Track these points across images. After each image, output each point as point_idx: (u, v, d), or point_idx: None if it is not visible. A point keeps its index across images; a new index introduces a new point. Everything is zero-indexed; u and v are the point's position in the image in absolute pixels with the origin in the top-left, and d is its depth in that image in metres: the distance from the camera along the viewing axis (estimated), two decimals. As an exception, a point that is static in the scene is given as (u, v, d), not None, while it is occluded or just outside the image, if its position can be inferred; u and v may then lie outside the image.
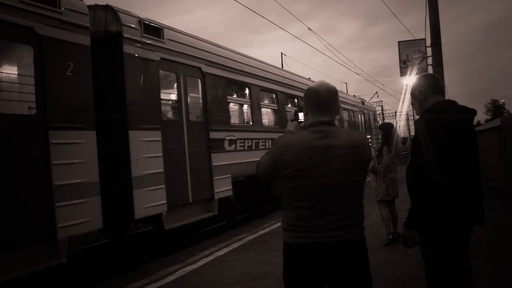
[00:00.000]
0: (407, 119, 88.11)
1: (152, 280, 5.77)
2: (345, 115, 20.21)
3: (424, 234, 2.96)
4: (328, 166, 2.38)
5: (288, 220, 2.47)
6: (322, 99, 2.53)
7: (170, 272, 6.10)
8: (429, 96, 3.14)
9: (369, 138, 24.26)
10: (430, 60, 11.79)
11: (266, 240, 7.82)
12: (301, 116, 2.82)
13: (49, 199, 5.41)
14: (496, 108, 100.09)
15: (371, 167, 6.88)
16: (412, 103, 3.28)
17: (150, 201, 7.19)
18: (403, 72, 13.21)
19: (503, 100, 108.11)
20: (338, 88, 20.34)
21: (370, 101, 42.60)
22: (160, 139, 7.52)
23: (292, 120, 2.87)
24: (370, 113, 26.91)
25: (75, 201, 5.75)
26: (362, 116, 23.92)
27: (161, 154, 7.51)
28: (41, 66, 5.53)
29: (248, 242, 7.71)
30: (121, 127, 6.86)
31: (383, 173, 6.98)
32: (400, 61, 13.26)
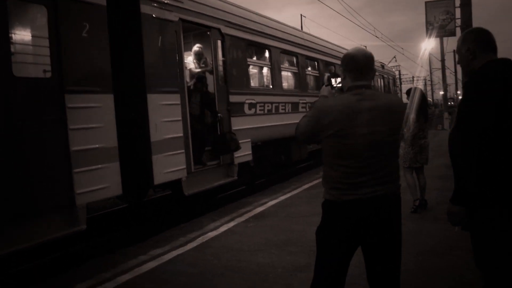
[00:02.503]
0: (425, 84, 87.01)
1: (173, 246, 5.66)
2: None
3: (473, 211, 2.63)
4: (370, 126, 2.52)
5: (332, 179, 2.64)
6: (360, 64, 2.65)
7: (191, 238, 5.99)
8: (479, 55, 2.70)
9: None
10: (458, 22, 11.15)
11: (288, 205, 7.66)
12: (333, 81, 2.96)
13: (66, 165, 5.26)
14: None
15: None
16: (459, 63, 2.92)
17: (169, 166, 7.03)
18: (429, 34, 12.62)
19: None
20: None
21: (388, 65, 41.65)
22: (179, 102, 7.30)
23: (326, 85, 3.00)
24: (390, 77, 26.25)
25: (93, 167, 5.60)
26: (382, 80, 23.31)
27: (180, 118, 7.31)
28: (55, 27, 5.27)
29: (269, 208, 7.56)
30: (140, 90, 6.64)
31: (410, 142, 6.65)
32: (427, 22, 12.64)
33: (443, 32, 12.28)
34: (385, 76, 24.21)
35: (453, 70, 54.84)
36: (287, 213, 7.09)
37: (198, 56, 8.66)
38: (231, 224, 6.63)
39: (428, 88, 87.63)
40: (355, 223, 2.56)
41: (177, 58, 7.39)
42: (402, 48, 65.20)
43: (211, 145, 8.38)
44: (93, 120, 5.67)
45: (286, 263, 4.79)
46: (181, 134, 7.33)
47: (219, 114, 8.29)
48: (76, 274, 4.98)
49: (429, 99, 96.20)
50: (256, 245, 5.48)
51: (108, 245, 6.37)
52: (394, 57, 48.61)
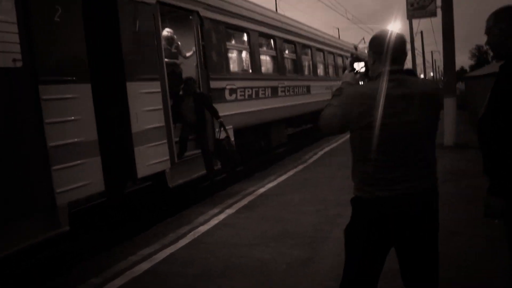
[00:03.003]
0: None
1: (164, 244, 5.32)
2: (339, 60, 19.58)
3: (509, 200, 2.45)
4: (406, 116, 2.30)
5: (363, 174, 2.41)
6: (393, 47, 2.40)
7: (181, 234, 5.66)
8: None
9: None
10: (439, 3, 10.97)
11: (277, 194, 7.39)
12: (357, 66, 2.70)
13: (44, 162, 4.83)
14: (480, 54, 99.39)
15: None
16: (489, 44, 2.67)
17: (152, 158, 6.65)
18: (410, 15, 12.43)
19: (487, 46, 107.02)
20: (331, 33, 19.49)
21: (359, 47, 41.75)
22: (159, 90, 6.89)
23: (350, 71, 2.72)
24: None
25: (73, 163, 5.18)
26: (356, 61, 23.20)
27: (161, 107, 6.91)
28: (24, 11, 4.79)
29: (258, 197, 7.27)
30: (118, 78, 6.21)
31: None
32: (407, 3, 12.45)
33: (424, 13, 12.10)
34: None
35: (421, 51, 55.56)
36: (278, 202, 6.82)
37: (168, 41, 8.25)
38: (222, 216, 6.32)
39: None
40: (389, 222, 2.36)
41: (156, 43, 6.96)
42: (372, 30, 65.19)
43: (215, 154, 8.04)
44: (71, 112, 5.23)
45: (288, 257, 4.52)
46: (163, 124, 6.94)
47: (220, 119, 7.87)
48: (61, 281, 4.60)
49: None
50: (253, 239, 5.20)
51: (92, 245, 5.96)
52: (363, 38, 48.71)
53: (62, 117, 5.09)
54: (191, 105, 7.75)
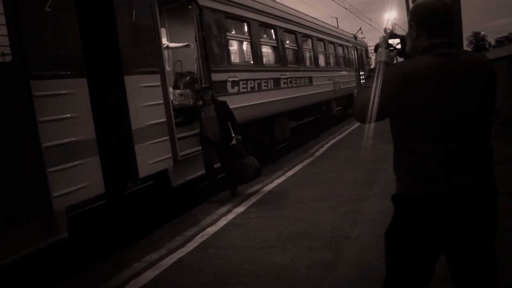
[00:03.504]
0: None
1: (170, 249, 4.94)
2: (339, 50, 19.16)
3: None
4: (462, 96, 1.94)
5: (408, 167, 2.03)
6: (440, 16, 2.04)
7: (189, 237, 5.28)
8: None
9: (362, 75, 23.41)
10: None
11: (287, 190, 7.00)
12: (392, 42, 2.29)
13: (39, 164, 4.44)
14: (477, 41, 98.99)
15: None
16: None
17: (154, 156, 6.27)
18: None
19: (483, 33, 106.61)
20: (330, 22, 18.99)
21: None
22: (159, 84, 6.49)
23: (385, 48, 2.28)
24: (363, 48, 25.81)
25: (70, 164, 4.80)
26: (355, 51, 22.84)
27: (162, 101, 6.52)
28: (12, 0, 4.38)
29: (267, 195, 6.88)
30: (115, 72, 5.81)
31: None
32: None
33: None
34: (358, 47, 23.72)
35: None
36: (289, 199, 6.44)
37: None
38: (230, 216, 5.94)
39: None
40: (441, 222, 1.98)
41: (154, 34, 6.55)
42: (370, 19, 64.77)
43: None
44: (66, 109, 4.84)
45: (308, 261, 4.14)
46: (164, 119, 6.56)
47: (238, 136, 7.17)
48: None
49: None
50: (267, 241, 4.81)
51: (93, 251, 5.58)
52: (360, 28, 48.31)
53: (56, 115, 4.71)
54: (212, 115, 6.95)
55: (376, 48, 2.41)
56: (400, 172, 2.09)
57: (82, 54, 5.08)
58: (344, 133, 13.59)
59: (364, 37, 45.67)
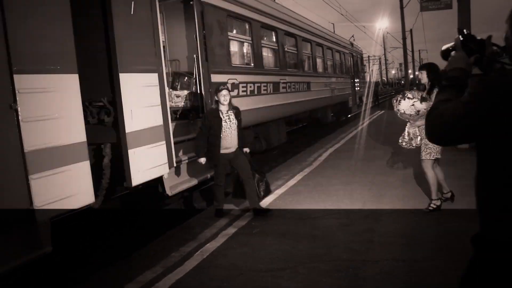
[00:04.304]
0: (379, 64, 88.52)
1: (167, 266, 4.42)
2: (336, 56, 18.78)
3: None
4: None
5: (504, 206, 1.54)
6: None
7: (187, 253, 4.76)
8: None
9: (357, 83, 23.10)
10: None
11: (290, 202, 6.50)
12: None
13: (20, 170, 3.90)
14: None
15: (417, 112, 5.47)
16: None
17: (149, 162, 5.74)
18: (424, 7, 11.67)
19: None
20: (327, 27, 18.58)
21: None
22: (157, 83, 5.98)
23: (463, 49, 1.83)
24: (358, 55, 25.48)
25: (56, 170, 4.26)
26: (351, 58, 22.49)
27: (159, 103, 6.00)
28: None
29: (268, 207, 6.36)
30: (110, 69, 5.30)
31: None
32: (421, -6, 11.73)
33: (439, 4, 11.36)
34: (354, 54, 23.39)
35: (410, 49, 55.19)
36: (294, 213, 5.96)
37: None
38: (231, 230, 5.43)
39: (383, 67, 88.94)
40: None
41: (153, 30, 6.04)
42: (364, 26, 64.92)
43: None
44: (54, 108, 4.31)
45: (325, 288, 3.67)
46: (161, 123, 6.04)
47: (246, 149, 6.29)
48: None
49: (383, 78, 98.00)
50: (275, 262, 4.31)
51: (78, 266, 5.05)
52: (353, 36, 48.27)
53: (43, 114, 4.17)
54: (233, 123, 5.98)
55: (447, 52, 1.94)
56: (491, 212, 1.62)
57: (74, 47, 4.55)
58: (342, 142, 13.15)
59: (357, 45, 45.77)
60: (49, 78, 4.27)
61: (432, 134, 1.70)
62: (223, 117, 5.89)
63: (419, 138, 5.60)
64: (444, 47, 1.97)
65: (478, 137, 1.61)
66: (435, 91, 5.50)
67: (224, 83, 7.92)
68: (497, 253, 1.59)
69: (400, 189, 6.82)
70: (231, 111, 5.99)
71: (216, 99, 5.97)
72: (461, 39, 1.88)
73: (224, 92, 5.89)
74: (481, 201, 1.69)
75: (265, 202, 6.56)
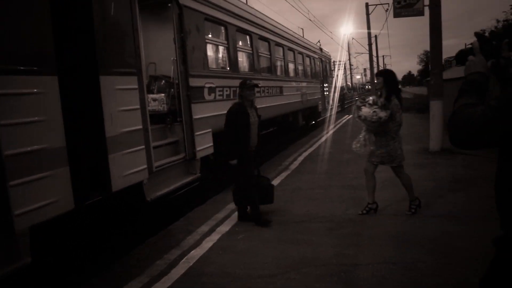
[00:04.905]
0: (344, 69, 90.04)
1: (152, 275, 4.27)
2: (307, 61, 18.91)
3: None
4: None
5: None
6: None
7: (172, 261, 4.62)
8: None
9: (326, 87, 23.31)
10: (427, 1, 10.42)
11: (273, 207, 6.39)
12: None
13: None
14: (428, 58, 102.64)
15: (378, 119, 5.39)
16: None
17: (129, 167, 5.57)
18: (397, 14, 11.86)
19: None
20: (296, 31, 18.64)
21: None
22: (137, 87, 5.82)
23: (482, 50, 1.80)
24: (327, 60, 25.75)
25: (35, 176, 4.06)
26: (321, 63, 22.70)
27: (138, 106, 5.84)
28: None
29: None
30: (89, 70, 5.11)
31: (396, 132, 5.60)
32: (394, 1, 11.90)
33: (411, 11, 11.58)
34: (323, 59, 23.63)
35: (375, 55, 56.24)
36: (278, 217, 5.88)
37: None
38: (215, 236, 5.32)
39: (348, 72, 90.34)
40: None
41: (132, 31, 5.89)
42: (331, 32, 65.92)
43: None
44: (33, 111, 4.11)
45: (320, 294, 3.61)
46: (141, 126, 5.87)
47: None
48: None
49: (348, 83, 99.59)
50: (266, 268, 4.23)
51: (57, 277, 4.82)
52: (319, 41, 48.88)
53: (21, 118, 3.97)
54: (256, 120, 5.82)
55: (461, 55, 1.91)
56: None
57: (53, 47, 4.36)
58: (315, 146, 13.22)
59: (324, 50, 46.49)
60: (27, 80, 4.06)
61: (456, 137, 1.67)
62: (250, 112, 5.71)
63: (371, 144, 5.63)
64: (460, 51, 1.95)
65: (506, 142, 1.59)
66: (393, 98, 5.49)
67: (201, 87, 7.85)
68: None
69: (379, 192, 6.83)
70: (253, 108, 5.84)
71: (242, 94, 5.73)
72: (479, 43, 1.86)
73: (250, 88, 5.68)
74: (505, 203, 1.68)
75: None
